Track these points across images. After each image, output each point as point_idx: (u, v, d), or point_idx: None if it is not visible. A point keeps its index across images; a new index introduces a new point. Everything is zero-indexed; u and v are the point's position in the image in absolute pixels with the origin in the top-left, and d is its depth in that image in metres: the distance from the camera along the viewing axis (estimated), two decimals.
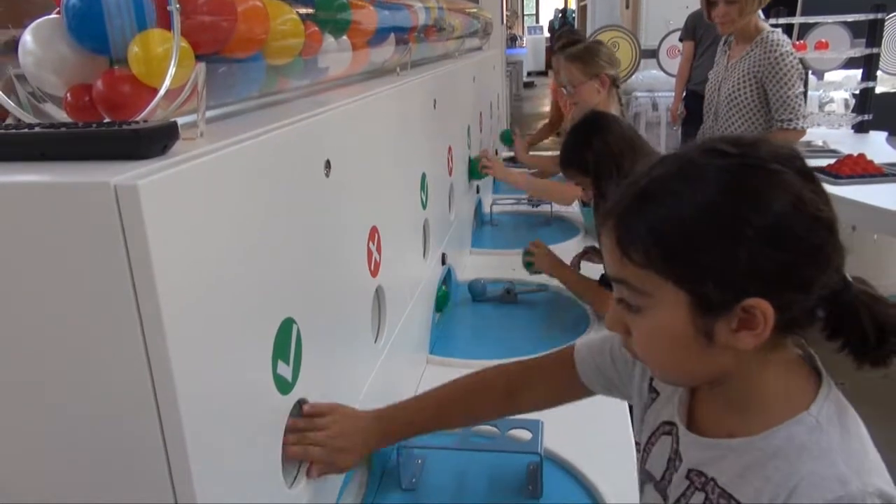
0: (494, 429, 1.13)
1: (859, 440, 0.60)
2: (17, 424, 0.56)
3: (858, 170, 2.65)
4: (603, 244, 0.66)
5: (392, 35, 1.39)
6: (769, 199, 0.56)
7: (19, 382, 0.55)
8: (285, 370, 0.74)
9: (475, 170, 2.20)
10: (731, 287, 0.57)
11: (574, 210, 2.39)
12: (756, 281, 0.57)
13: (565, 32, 3.50)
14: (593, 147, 1.51)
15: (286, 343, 0.74)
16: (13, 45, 0.63)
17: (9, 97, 0.65)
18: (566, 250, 1.88)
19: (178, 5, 0.61)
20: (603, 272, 1.54)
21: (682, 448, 0.70)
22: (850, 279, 0.61)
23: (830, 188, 2.21)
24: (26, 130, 0.57)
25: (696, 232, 0.58)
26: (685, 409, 0.71)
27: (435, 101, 1.60)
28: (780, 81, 2.21)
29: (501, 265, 1.98)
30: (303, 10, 0.92)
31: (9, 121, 0.65)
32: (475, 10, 2.97)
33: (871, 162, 2.69)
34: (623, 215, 0.62)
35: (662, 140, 5.50)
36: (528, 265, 1.78)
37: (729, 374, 0.63)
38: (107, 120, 0.63)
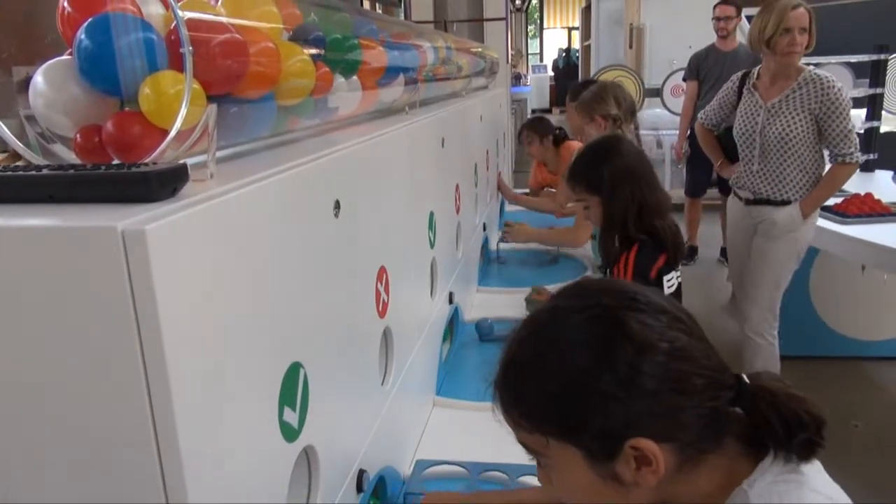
0: (504, 475, 1.10)
1: None
2: (18, 465, 0.54)
3: (866, 209, 2.64)
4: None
5: (401, 75, 1.40)
6: (617, 351, 0.59)
7: (21, 423, 0.53)
8: (291, 417, 0.72)
9: None
10: (607, 436, 0.60)
11: (582, 248, 2.38)
12: (627, 425, 0.60)
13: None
14: (609, 165, 1.51)
15: (293, 388, 0.72)
16: (24, 86, 0.63)
17: (18, 138, 0.65)
18: None
19: (190, 47, 0.60)
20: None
21: None
22: (745, 380, 0.62)
23: (839, 227, 2.20)
24: (34, 172, 0.56)
25: (560, 394, 0.61)
26: None
27: (443, 139, 1.60)
28: (839, 117, 2.20)
29: (509, 303, 1.96)
30: (314, 51, 0.92)
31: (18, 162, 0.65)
32: (481, 49, 3.00)
33: (878, 201, 2.68)
34: (499, 386, 0.66)
35: (667, 178, 5.51)
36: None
37: (666, 498, 0.64)
38: (116, 162, 0.63)
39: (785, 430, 0.60)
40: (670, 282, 1.52)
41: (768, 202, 2.33)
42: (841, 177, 2.29)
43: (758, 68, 2.42)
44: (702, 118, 2.67)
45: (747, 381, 0.63)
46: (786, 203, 2.30)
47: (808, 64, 2.39)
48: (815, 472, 0.62)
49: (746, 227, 2.44)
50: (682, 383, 0.60)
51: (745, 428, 0.64)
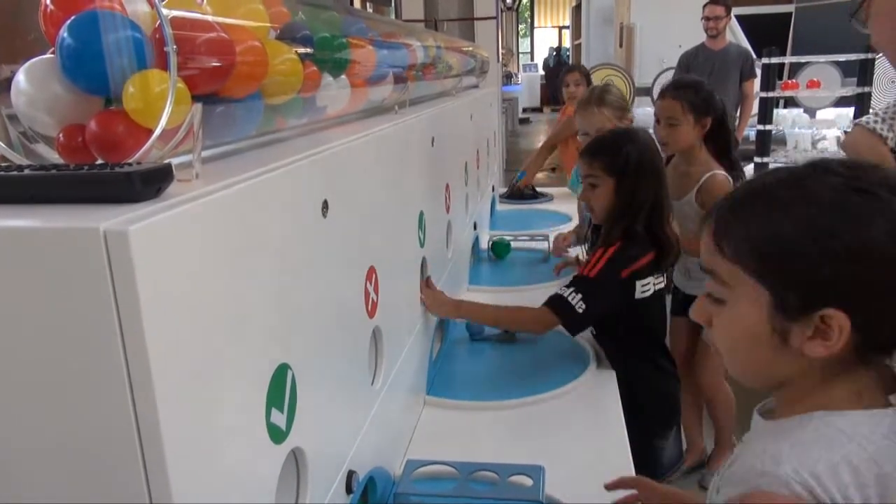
0: (494, 475, 1.10)
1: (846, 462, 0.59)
2: None
3: None
4: (703, 233, 0.70)
5: (390, 73, 1.39)
6: (867, 223, 0.59)
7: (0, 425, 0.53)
8: (279, 418, 0.71)
9: (503, 248, 2.39)
10: (811, 296, 0.61)
11: (574, 249, 2.37)
12: (837, 295, 0.60)
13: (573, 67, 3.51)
14: (638, 151, 1.49)
15: (281, 390, 0.71)
16: (6, 85, 0.62)
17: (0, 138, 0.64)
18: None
19: (175, 46, 0.60)
20: (557, 293, 1.50)
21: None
22: None
23: None
24: (15, 173, 0.55)
25: (790, 241, 0.62)
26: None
27: (433, 139, 1.60)
28: None
29: (499, 303, 1.95)
30: (302, 50, 0.91)
31: None
32: (471, 48, 3.00)
33: None
34: (726, 210, 0.67)
35: None
36: None
37: (792, 384, 0.66)
38: (99, 161, 0.62)
39: None
40: (646, 286, 1.51)
41: None
42: None
43: None
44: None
45: None
46: None
47: (793, 63, 2.36)
48: None
49: None
50: None
51: None
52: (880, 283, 0.60)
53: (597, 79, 4.61)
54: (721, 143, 2.05)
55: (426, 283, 1.50)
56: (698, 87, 2.05)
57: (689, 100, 1.98)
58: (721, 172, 2.00)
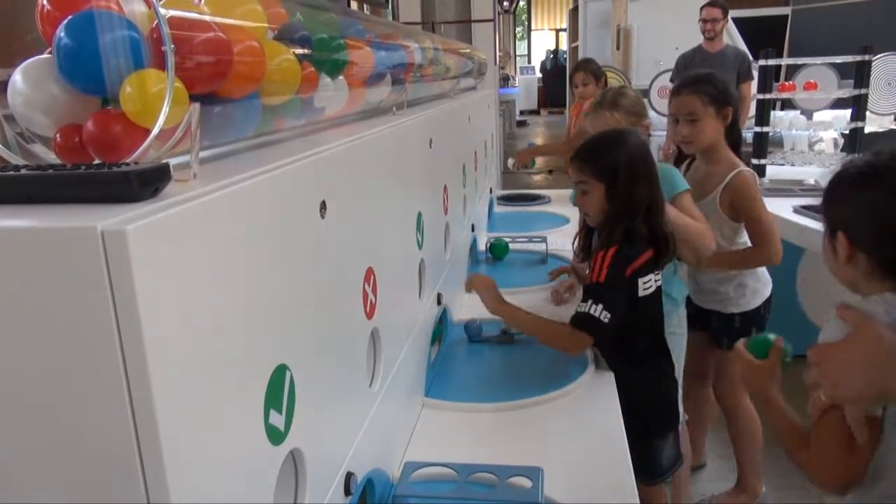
0: (493, 476, 1.09)
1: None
2: None
3: None
4: None
5: (388, 75, 1.39)
6: (868, 191, 1.01)
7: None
8: (277, 419, 0.71)
9: (501, 249, 2.43)
10: (831, 224, 1.05)
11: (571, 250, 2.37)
12: (846, 225, 1.02)
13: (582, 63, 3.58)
14: (627, 154, 1.48)
15: (279, 391, 0.71)
16: (2, 86, 0.62)
17: None
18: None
19: (172, 45, 0.60)
20: (578, 311, 1.46)
21: None
22: None
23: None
24: (12, 173, 0.55)
25: (827, 191, 1.09)
26: None
27: (431, 140, 1.60)
28: None
29: None
30: (299, 51, 0.91)
31: None
32: (469, 50, 3.00)
33: None
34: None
35: None
36: None
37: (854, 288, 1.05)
38: (96, 161, 0.62)
39: None
40: (647, 284, 1.51)
41: None
42: None
43: None
44: None
45: None
46: None
47: (789, 65, 2.36)
48: None
49: None
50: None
51: None
52: (875, 234, 0.99)
53: None
54: (732, 140, 2.00)
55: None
56: (714, 79, 1.98)
57: (707, 92, 1.92)
58: (747, 169, 1.94)
